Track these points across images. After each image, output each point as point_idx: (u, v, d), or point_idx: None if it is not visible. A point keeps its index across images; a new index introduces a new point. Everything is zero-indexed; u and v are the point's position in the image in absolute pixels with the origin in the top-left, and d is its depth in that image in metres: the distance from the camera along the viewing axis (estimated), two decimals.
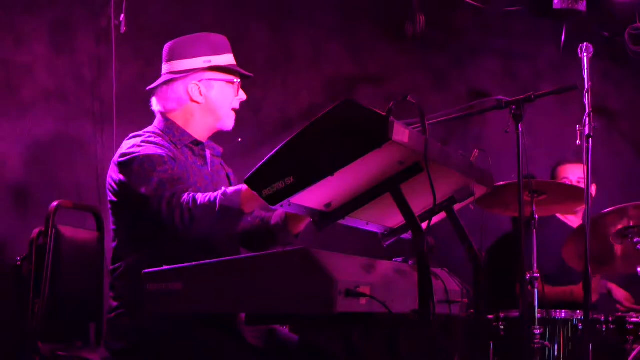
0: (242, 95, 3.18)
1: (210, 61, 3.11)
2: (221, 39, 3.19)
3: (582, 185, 4.79)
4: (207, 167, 3.14)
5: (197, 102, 3.12)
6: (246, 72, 3.18)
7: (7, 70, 4.22)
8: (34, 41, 4.29)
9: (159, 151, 2.95)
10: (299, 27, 5.07)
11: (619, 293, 4.81)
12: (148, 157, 2.91)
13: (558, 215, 4.92)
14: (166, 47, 3.18)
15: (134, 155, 2.93)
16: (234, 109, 3.17)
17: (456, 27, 5.49)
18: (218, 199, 2.72)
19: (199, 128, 3.13)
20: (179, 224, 2.76)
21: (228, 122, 3.17)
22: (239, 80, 3.17)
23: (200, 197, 2.76)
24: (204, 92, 3.12)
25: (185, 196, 2.77)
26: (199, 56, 3.11)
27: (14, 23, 4.24)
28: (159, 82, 3.14)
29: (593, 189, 4.93)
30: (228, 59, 3.16)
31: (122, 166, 2.94)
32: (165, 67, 3.16)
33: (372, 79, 5.25)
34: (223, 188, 2.80)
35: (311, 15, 5.11)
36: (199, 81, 3.11)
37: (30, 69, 4.28)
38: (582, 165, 4.72)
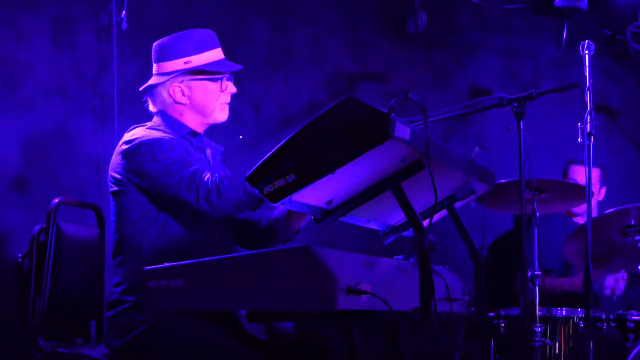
0: (231, 89, 3.17)
1: (190, 61, 3.10)
2: (206, 35, 3.17)
3: (594, 190, 4.80)
4: (207, 160, 3.15)
5: (182, 103, 3.13)
6: (235, 65, 3.16)
7: (8, 67, 4.22)
8: (35, 38, 4.29)
9: (166, 136, 2.98)
10: (299, 24, 5.06)
11: (609, 280, 4.78)
12: (157, 141, 2.95)
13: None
14: (153, 47, 3.18)
15: (142, 139, 2.96)
16: (224, 103, 3.16)
17: (457, 24, 5.49)
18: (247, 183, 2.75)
19: (192, 124, 3.15)
20: (204, 201, 2.80)
21: (219, 116, 3.17)
22: (226, 75, 3.15)
23: (225, 177, 2.80)
24: (186, 93, 3.13)
25: (209, 175, 2.80)
26: (180, 57, 3.11)
27: (15, 20, 4.25)
28: (143, 86, 3.17)
29: (603, 192, 4.92)
30: (213, 55, 3.14)
31: (129, 151, 2.96)
32: (153, 68, 3.17)
33: (373, 76, 5.25)
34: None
35: (312, 12, 5.11)
36: (180, 82, 3.12)
37: (32, 65, 4.28)
38: (595, 169, 4.75)
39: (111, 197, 3.04)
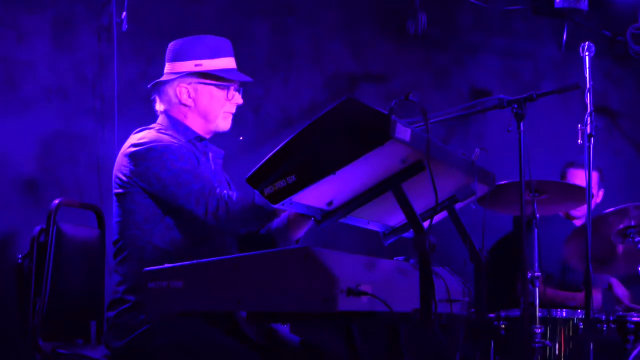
0: (237, 99, 3.17)
1: (201, 65, 3.11)
2: (221, 42, 3.17)
3: (593, 192, 4.80)
4: (210, 165, 3.15)
5: (187, 105, 3.13)
6: (244, 77, 3.16)
7: (9, 67, 4.23)
8: (36, 38, 4.29)
9: (175, 143, 2.97)
10: (300, 25, 5.06)
11: (620, 290, 4.80)
12: (167, 148, 2.94)
13: (561, 213, 4.92)
14: (168, 46, 3.19)
15: (151, 145, 2.95)
16: (228, 112, 3.17)
17: (458, 25, 5.49)
18: (256, 196, 2.76)
19: (195, 128, 3.14)
20: (212, 216, 2.82)
21: (221, 124, 3.17)
22: (234, 85, 3.15)
23: (235, 193, 2.83)
24: (192, 95, 3.12)
25: (218, 190, 2.82)
26: (192, 59, 3.11)
27: (16, 20, 4.25)
28: (152, 83, 3.17)
29: (600, 194, 4.93)
30: (224, 63, 3.14)
31: (139, 155, 2.95)
32: (165, 67, 3.18)
33: (374, 77, 5.25)
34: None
35: (313, 13, 5.11)
36: (188, 84, 3.12)
37: (32, 66, 4.28)
38: (593, 172, 4.75)
39: (115, 198, 3.03)
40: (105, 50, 4.42)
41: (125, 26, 4.37)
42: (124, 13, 4.36)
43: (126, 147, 3.02)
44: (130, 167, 2.95)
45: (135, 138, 3.03)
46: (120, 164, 3.01)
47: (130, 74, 4.44)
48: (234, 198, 2.82)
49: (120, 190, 2.99)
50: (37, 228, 3.23)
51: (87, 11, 4.42)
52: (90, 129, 4.40)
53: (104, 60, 4.43)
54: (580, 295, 4.53)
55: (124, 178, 2.98)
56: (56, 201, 3.27)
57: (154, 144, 2.95)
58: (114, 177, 3.03)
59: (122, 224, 3.00)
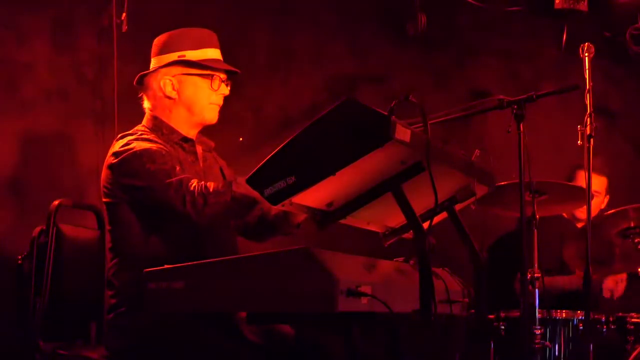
0: (223, 90, 3.15)
1: (184, 56, 3.10)
2: (205, 34, 3.16)
3: (600, 198, 4.81)
4: (199, 163, 3.14)
5: (171, 98, 3.12)
6: (229, 66, 3.15)
7: (9, 68, 4.23)
8: (36, 39, 4.29)
9: (155, 146, 2.96)
10: (300, 26, 5.07)
11: (609, 282, 4.79)
12: (146, 151, 2.92)
13: (566, 215, 4.92)
14: (154, 42, 3.19)
15: (131, 151, 2.93)
16: (214, 104, 3.15)
17: (457, 26, 5.49)
18: (232, 185, 2.74)
19: (182, 123, 3.13)
20: (191, 209, 2.77)
21: (208, 115, 3.14)
22: (219, 75, 3.13)
23: (212, 184, 2.79)
24: (176, 87, 3.11)
25: (195, 183, 2.79)
26: (175, 51, 3.11)
27: (16, 21, 4.25)
28: (137, 76, 3.17)
29: (606, 200, 4.93)
30: (209, 54, 3.13)
31: (119, 163, 2.94)
32: (151, 63, 3.18)
33: (374, 78, 5.25)
34: (236, 177, 2.82)
35: (313, 14, 5.11)
36: (172, 76, 3.11)
37: (32, 67, 4.28)
38: (603, 178, 4.76)
39: (105, 206, 3.03)
40: (106, 51, 4.42)
41: (125, 27, 4.37)
42: (124, 14, 4.36)
43: (108, 156, 3.01)
44: (111, 178, 2.95)
45: (116, 146, 3.01)
46: (104, 174, 3.01)
47: (130, 75, 4.41)
48: (211, 189, 2.77)
49: (108, 200, 2.99)
50: (37, 229, 3.23)
51: (87, 12, 4.43)
52: (90, 130, 4.40)
53: (104, 61, 4.43)
54: (577, 278, 4.50)
55: (109, 187, 2.98)
56: (56, 202, 3.27)
57: (132, 150, 2.92)
58: (101, 185, 3.02)
59: (113, 233, 3.01)
